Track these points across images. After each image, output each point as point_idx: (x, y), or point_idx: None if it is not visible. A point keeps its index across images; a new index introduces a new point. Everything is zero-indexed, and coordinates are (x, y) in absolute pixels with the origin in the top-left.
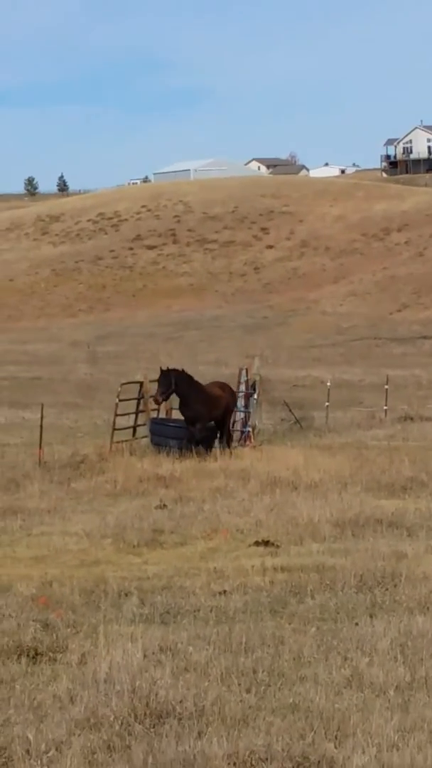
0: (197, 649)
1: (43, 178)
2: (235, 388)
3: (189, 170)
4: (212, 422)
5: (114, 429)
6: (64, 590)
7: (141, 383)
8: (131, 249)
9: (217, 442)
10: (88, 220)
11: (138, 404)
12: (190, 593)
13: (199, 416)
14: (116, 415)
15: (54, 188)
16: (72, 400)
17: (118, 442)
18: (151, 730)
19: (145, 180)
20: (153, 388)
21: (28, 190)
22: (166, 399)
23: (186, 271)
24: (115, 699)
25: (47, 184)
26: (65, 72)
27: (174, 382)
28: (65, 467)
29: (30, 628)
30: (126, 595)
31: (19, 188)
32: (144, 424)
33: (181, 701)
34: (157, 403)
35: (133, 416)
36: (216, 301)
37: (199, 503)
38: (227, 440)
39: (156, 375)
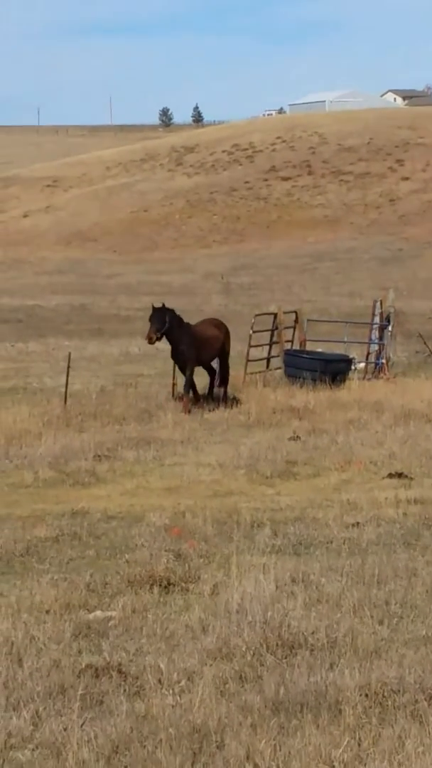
0: (330, 580)
1: (178, 108)
2: (369, 320)
3: (324, 101)
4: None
5: (248, 360)
6: (197, 521)
7: (275, 314)
8: (266, 180)
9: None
10: (223, 152)
11: (272, 335)
12: (322, 525)
13: (188, 360)
14: (250, 346)
15: (189, 119)
16: None
17: (251, 374)
18: (283, 660)
19: (280, 111)
20: (288, 320)
21: (162, 120)
22: (159, 338)
23: (321, 202)
24: (247, 629)
25: (182, 115)
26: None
27: (168, 320)
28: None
29: (163, 558)
30: (258, 526)
31: (154, 119)
32: (278, 356)
33: (313, 632)
34: (151, 341)
35: (267, 347)
36: (351, 233)
37: (333, 435)
38: (223, 382)
39: (291, 306)
